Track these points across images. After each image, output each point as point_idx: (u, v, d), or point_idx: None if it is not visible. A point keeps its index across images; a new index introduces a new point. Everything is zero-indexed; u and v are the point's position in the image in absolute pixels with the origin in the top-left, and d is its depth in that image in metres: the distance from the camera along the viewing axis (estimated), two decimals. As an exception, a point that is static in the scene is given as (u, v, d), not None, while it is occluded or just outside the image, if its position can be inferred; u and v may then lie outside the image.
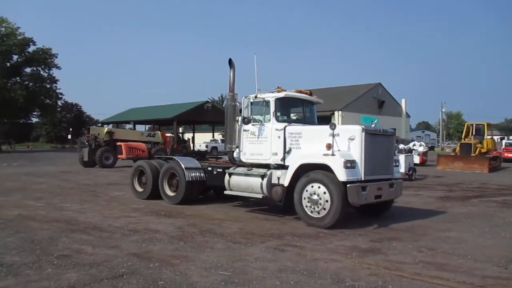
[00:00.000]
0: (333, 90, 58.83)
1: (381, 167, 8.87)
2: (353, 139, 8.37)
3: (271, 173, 9.24)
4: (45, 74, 51.62)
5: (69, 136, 62.59)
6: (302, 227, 8.34)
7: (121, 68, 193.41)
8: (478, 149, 26.44)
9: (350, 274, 5.39)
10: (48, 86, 51.70)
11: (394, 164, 9.42)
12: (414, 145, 27.33)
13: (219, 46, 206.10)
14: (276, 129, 9.42)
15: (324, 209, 8.15)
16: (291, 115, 10.28)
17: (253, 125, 9.81)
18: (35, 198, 11.91)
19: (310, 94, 10.67)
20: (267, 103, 9.65)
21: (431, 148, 52.22)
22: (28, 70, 51.18)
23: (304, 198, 8.46)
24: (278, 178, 9.07)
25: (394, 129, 12.26)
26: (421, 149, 27.17)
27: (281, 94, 9.69)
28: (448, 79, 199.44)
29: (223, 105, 9.45)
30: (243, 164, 10.07)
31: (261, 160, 9.65)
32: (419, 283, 5.12)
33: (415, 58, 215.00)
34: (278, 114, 9.62)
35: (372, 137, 8.57)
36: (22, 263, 5.60)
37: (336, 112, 50.16)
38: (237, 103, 10.17)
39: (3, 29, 47.82)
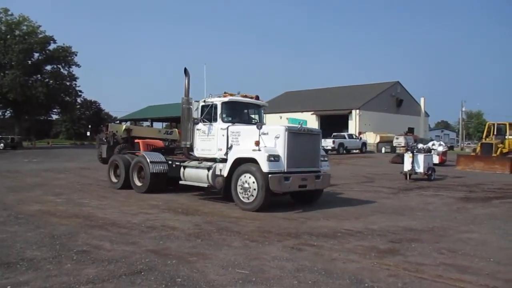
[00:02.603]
0: (351, 89, 58.41)
1: (306, 161, 10.27)
2: (278, 137, 9.84)
3: (215, 166, 10.69)
4: (65, 72, 52.32)
5: (88, 133, 63.47)
6: (320, 226, 8.28)
7: (140, 65, 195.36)
8: (499, 149, 25.92)
9: (369, 274, 5.31)
10: (68, 83, 52.35)
11: (322, 159, 10.79)
12: (433, 144, 26.87)
13: (239, 44, 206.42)
14: (221, 129, 10.91)
15: (253, 195, 9.63)
16: (239, 116, 11.55)
17: (204, 125, 11.29)
18: (55, 193, 12.10)
19: (257, 98, 12.09)
20: (215, 106, 11.15)
21: (451, 148, 51.29)
22: (48, 67, 51.93)
23: (238, 186, 9.92)
24: (220, 170, 10.48)
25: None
26: (440, 148, 26.71)
27: (226, 99, 11.18)
28: (469, 78, 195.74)
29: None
30: (196, 158, 11.60)
31: (209, 155, 11.17)
32: (440, 285, 5.01)
33: (434, 56, 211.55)
34: (224, 115, 11.12)
35: (295, 135, 9.99)
36: (42, 258, 5.67)
37: (353, 111, 49.73)
38: (191, 106, 11.42)
39: (24, 27, 48.59)
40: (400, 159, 23.18)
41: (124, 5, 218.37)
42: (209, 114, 11.21)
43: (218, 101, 11.16)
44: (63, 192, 12.39)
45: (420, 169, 17.79)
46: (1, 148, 41.06)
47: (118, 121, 66.77)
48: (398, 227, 8.37)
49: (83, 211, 9.42)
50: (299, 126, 10.48)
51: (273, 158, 9.52)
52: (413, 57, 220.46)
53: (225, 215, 9.28)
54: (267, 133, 9.96)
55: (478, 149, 27.72)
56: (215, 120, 11.10)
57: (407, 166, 17.87)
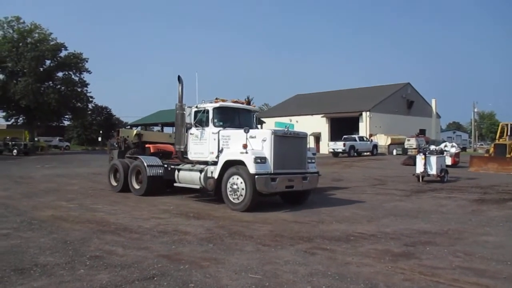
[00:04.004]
0: (361, 91, 58.18)
1: (292, 163, 10.69)
2: (265, 140, 10.31)
3: (207, 169, 11.17)
4: (76, 78, 52.83)
5: (100, 139, 63.92)
6: (332, 230, 8.21)
7: (149, 71, 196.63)
8: (513, 150, 25.54)
9: (384, 279, 5.24)
10: (79, 89, 52.84)
11: (310, 160, 11.19)
12: (445, 146, 26.54)
13: (249, 48, 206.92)
14: (213, 133, 11.35)
15: (241, 195, 10.09)
16: (230, 121, 11.89)
17: (196, 129, 11.73)
18: (68, 199, 12.18)
19: (248, 104, 12.81)
20: (206, 111, 11.58)
21: (463, 149, 50.72)
22: (60, 74, 52.45)
23: (228, 188, 10.35)
24: (212, 172, 10.94)
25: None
26: (453, 150, 26.36)
27: (217, 104, 11.66)
28: (480, 78, 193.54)
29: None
30: (190, 161, 12.03)
31: (202, 158, 11.62)
32: (457, 289, 4.92)
33: (445, 57, 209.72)
34: (215, 120, 11.56)
35: (281, 138, 10.47)
36: (55, 264, 5.69)
37: (364, 113, 49.43)
38: (184, 112, 11.86)
39: (36, 35, 49.23)
40: (412, 161, 23.00)
41: (130, 9, 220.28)
42: (201, 119, 11.68)
43: (209, 106, 11.60)
44: (75, 198, 12.47)
45: (433, 171, 17.59)
46: (14, 154, 41.54)
47: (129, 126, 67.19)
48: (412, 230, 8.27)
49: (96, 216, 9.47)
50: (286, 129, 10.85)
51: (260, 160, 10.00)
52: (423, 58, 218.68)
53: (237, 219, 9.25)
54: (255, 137, 10.46)
55: (492, 150, 27.37)
56: (207, 124, 11.54)
57: (419, 168, 17.68)
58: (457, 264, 5.91)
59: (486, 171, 23.57)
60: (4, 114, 53.03)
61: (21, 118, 53.49)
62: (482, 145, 74.91)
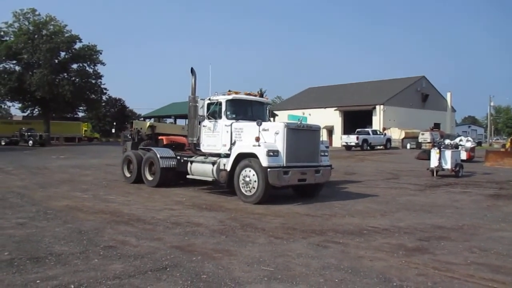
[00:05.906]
0: (375, 84, 57.57)
1: (305, 156, 10.65)
2: (277, 133, 10.28)
3: (219, 161, 11.18)
4: (91, 70, 53.19)
5: (113, 130, 64.54)
6: (345, 223, 8.17)
7: (162, 63, 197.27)
8: (530, 145, 25.07)
9: (397, 273, 5.19)
10: (93, 81, 53.22)
11: (322, 154, 11.14)
12: (460, 140, 26.18)
13: (262, 41, 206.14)
14: (225, 125, 11.38)
15: (254, 188, 10.10)
16: (243, 113, 11.89)
17: (209, 121, 11.78)
18: (82, 189, 12.32)
19: (261, 96, 13.05)
20: (219, 103, 11.61)
21: (479, 143, 49.94)
22: (74, 66, 52.87)
23: (241, 180, 10.37)
24: (224, 165, 10.95)
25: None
26: (468, 144, 25.97)
27: (230, 97, 11.70)
28: (497, 72, 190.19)
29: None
30: (203, 154, 12.10)
31: (215, 150, 11.65)
32: (472, 285, 4.86)
33: (461, 49, 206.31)
34: (228, 113, 11.56)
35: (294, 132, 10.43)
36: (70, 253, 5.76)
37: (377, 106, 48.96)
38: (197, 104, 11.96)
39: (51, 27, 49.63)
40: (426, 155, 22.72)
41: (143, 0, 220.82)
42: (214, 112, 11.71)
43: (222, 99, 11.64)
44: (89, 188, 12.61)
45: (448, 165, 17.37)
46: (30, 145, 42.18)
47: (142, 118, 67.62)
48: (426, 224, 8.18)
49: (109, 207, 9.56)
50: (298, 122, 10.81)
51: (272, 153, 9.99)
52: (439, 51, 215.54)
53: (249, 211, 9.25)
54: (268, 129, 10.45)
55: (508, 144, 26.91)
56: (220, 117, 11.57)
57: (434, 163, 17.47)
58: (472, 260, 5.84)
59: (502, 166, 23.17)
60: (20, 105, 53.81)
61: (36, 110, 54.19)
62: (498, 139, 73.74)
